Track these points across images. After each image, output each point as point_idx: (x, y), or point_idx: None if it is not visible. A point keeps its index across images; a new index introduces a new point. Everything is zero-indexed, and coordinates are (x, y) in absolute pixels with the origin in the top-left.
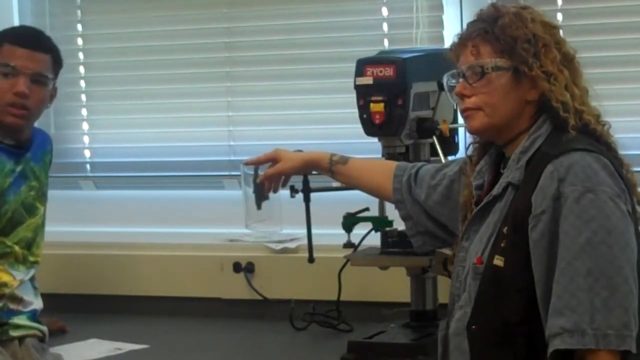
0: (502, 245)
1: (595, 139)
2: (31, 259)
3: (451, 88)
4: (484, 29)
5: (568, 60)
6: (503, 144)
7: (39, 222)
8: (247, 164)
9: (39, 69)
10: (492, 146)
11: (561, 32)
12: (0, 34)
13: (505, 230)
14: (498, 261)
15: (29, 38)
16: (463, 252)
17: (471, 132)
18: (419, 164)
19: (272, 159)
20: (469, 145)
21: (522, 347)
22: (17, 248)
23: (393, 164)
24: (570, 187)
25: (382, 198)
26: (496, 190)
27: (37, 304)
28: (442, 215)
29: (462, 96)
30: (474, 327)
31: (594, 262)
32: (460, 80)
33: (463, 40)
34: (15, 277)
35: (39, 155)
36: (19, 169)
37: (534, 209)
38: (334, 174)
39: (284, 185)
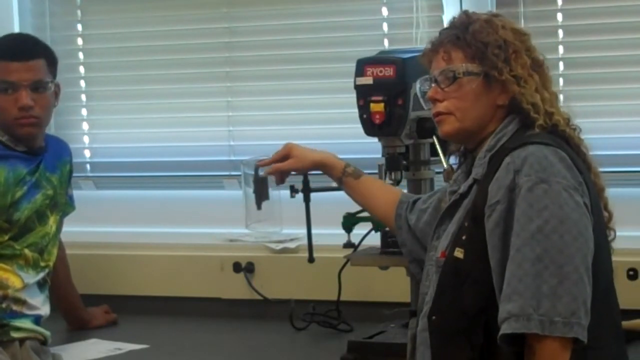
0: (463, 237)
1: (565, 140)
2: (42, 264)
3: (424, 93)
4: (456, 35)
5: (538, 66)
6: (473, 147)
7: (50, 231)
8: (260, 165)
9: (37, 77)
10: (470, 154)
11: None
12: None
13: (466, 223)
14: (458, 253)
15: (19, 49)
16: (433, 251)
17: (443, 137)
18: (423, 195)
19: (285, 156)
20: (449, 154)
21: (479, 337)
22: (27, 251)
23: (400, 193)
24: (524, 177)
25: (385, 224)
26: (463, 188)
27: (44, 310)
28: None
29: (434, 101)
30: (433, 317)
31: (544, 250)
32: (433, 85)
33: (435, 46)
34: (23, 280)
35: (56, 164)
36: (33, 178)
37: (490, 199)
38: (343, 184)
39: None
